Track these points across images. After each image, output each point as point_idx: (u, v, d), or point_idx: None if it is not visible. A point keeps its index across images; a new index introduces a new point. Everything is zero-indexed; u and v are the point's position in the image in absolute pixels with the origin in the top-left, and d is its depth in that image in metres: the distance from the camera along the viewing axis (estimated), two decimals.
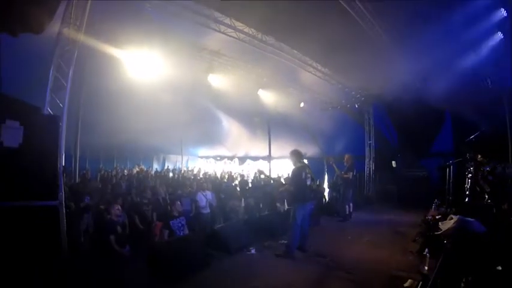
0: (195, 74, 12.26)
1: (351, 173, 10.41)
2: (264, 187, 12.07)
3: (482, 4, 8.07)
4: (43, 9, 3.69)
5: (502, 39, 9.28)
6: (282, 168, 18.00)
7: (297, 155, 7.06)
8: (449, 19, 8.09)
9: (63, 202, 5.42)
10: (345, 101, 16.32)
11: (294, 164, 6.99)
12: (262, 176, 11.87)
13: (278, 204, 10.46)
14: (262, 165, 19.85)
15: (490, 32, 9.15)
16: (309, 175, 6.87)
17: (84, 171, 12.32)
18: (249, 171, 20.25)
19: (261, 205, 10.91)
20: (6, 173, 4.41)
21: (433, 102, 11.15)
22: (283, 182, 7.76)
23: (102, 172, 15.54)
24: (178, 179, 14.77)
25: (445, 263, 4.40)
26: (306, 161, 8.52)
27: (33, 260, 4.48)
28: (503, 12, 8.53)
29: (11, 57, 5.37)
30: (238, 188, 12.43)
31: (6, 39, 4.13)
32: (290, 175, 7.23)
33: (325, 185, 15.65)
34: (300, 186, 6.70)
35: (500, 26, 8.90)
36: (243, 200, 10.95)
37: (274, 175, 15.80)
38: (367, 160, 16.10)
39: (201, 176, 16.55)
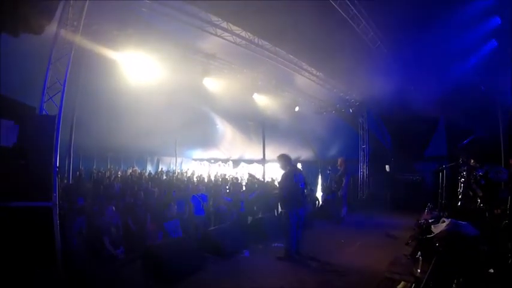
0: (191, 77, 12.27)
1: (345, 178, 10.45)
2: (257, 190, 12.08)
3: (477, 11, 8.18)
4: (43, 10, 3.71)
5: (496, 46, 9.42)
6: (276, 171, 18.01)
7: (285, 159, 6.89)
8: (444, 25, 8.19)
9: (57, 203, 5.39)
10: (339, 105, 16.39)
11: (284, 168, 6.84)
12: (255, 181, 11.89)
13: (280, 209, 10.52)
14: (256, 169, 19.90)
15: (485, 39, 9.27)
16: (301, 178, 6.81)
17: (78, 172, 12.26)
18: (243, 174, 20.25)
19: (254, 208, 10.91)
20: (0, 172, 4.39)
21: (427, 108, 11.25)
22: (277, 186, 7.76)
23: (96, 173, 15.48)
24: (172, 181, 14.73)
25: (437, 265, 4.45)
26: (299, 165, 8.49)
27: (26, 262, 4.45)
28: (497, 20, 8.67)
29: (8, 57, 5.36)
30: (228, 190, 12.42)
31: (2, 39, 4.13)
32: (280, 180, 7.02)
33: (319, 188, 15.71)
34: (292, 191, 6.60)
35: (495, 33, 9.03)
36: (237, 202, 10.94)
37: (268, 178, 15.83)
38: (360, 164, 16.16)
39: (194, 178, 16.53)
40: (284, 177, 6.78)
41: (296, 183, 6.64)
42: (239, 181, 15.94)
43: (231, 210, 9.87)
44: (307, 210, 7.46)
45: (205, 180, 16.45)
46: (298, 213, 6.63)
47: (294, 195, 6.62)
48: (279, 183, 7.28)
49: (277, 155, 7.04)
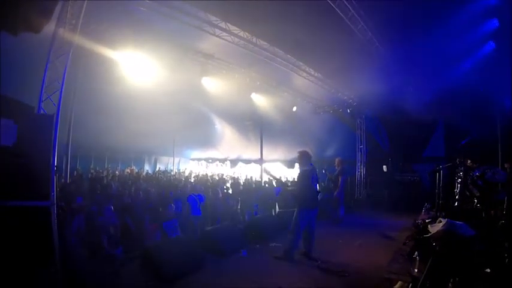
0: (189, 77, 12.26)
1: (341, 178, 10.45)
2: (256, 190, 12.11)
3: (475, 13, 8.22)
4: (42, 9, 3.70)
5: (494, 48, 9.47)
6: (273, 171, 18.00)
7: (306, 157, 6.67)
8: (442, 27, 8.22)
9: (55, 202, 5.38)
10: (337, 105, 16.44)
11: (302, 167, 6.66)
12: (268, 177, 11.81)
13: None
14: (254, 169, 19.96)
15: (483, 41, 9.32)
16: (316, 177, 6.66)
17: (76, 172, 12.22)
18: (240, 173, 20.26)
19: (253, 207, 10.92)
20: None
21: (425, 109, 11.28)
22: (289, 185, 7.72)
23: (93, 172, 15.44)
24: (169, 181, 14.70)
25: (434, 265, 4.47)
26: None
27: (24, 262, 4.44)
28: (495, 22, 8.72)
29: (5, 56, 5.35)
30: (230, 191, 12.40)
31: (0, 37, 4.12)
32: (297, 179, 6.81)
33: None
34: (307, 191, 6.46)
35: (493, 35, 9.08)
36: (234, 202, 10.95)
37: (265, 178, 15.85)
38: (358, 164, 16.20)
39: (192, 178, 16.51)
40: (301, 176, 6.61)
41: (312, 183, 6.52)
42: (237, 181, 15.97)
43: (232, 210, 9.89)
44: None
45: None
46: (309, 214, 6.51)
47: (309, 195, 6.48)
48: (293, 182, 7.13)
49: (299, 150, 6.83)
